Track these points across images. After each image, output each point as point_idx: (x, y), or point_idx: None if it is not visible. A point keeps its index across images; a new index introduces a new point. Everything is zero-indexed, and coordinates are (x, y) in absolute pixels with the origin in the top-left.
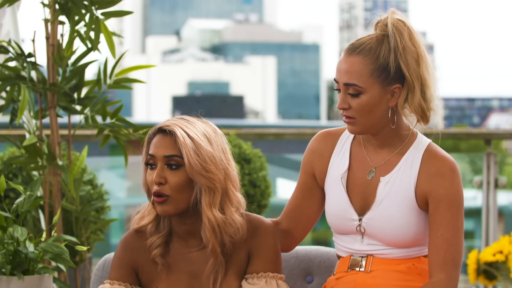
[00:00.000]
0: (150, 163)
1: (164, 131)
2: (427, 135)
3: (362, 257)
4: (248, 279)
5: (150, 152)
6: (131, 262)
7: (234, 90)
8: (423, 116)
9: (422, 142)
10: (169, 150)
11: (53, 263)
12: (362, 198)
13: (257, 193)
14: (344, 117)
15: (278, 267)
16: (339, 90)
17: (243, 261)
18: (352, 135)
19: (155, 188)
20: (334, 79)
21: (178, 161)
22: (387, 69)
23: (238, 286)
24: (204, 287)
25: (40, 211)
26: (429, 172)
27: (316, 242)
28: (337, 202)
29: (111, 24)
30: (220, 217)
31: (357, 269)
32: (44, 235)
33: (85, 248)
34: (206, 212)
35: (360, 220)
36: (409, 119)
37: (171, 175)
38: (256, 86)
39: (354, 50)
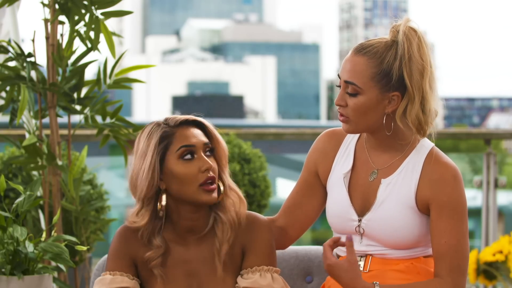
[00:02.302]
0: (186, 154)
1: (195, 123)
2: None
3: (361, 256)
4: (243, 275)
5: (187, 143)
6: (130, 253)
7: (234, 90)
8: (420, 128)
9: (424, 145)
10: (204, 138)
11: (53, 263)
12: (362, 199)
13: (257, 193)
14: (339, 114)
15: (273, 261)
16: (340, 86)
17: (238, 258)
18: (357, 136)
19: (209, 174)
20: (338, 75)
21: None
22: (389, 76)
23: (234, 283)
24: (202, 286)
25: (40, 211)
26: (431, 178)
27: (316, 242)
28: (338, 202)
29: (111, 24)
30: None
31: None
32: (44, 235)
33: (85, 248)
34: (231, 186)
35: (359, 221)
36: (407, 128)
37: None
38: (256, 86)
39: (361, 50)
